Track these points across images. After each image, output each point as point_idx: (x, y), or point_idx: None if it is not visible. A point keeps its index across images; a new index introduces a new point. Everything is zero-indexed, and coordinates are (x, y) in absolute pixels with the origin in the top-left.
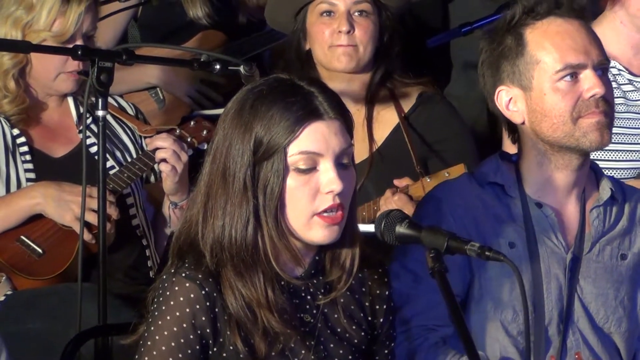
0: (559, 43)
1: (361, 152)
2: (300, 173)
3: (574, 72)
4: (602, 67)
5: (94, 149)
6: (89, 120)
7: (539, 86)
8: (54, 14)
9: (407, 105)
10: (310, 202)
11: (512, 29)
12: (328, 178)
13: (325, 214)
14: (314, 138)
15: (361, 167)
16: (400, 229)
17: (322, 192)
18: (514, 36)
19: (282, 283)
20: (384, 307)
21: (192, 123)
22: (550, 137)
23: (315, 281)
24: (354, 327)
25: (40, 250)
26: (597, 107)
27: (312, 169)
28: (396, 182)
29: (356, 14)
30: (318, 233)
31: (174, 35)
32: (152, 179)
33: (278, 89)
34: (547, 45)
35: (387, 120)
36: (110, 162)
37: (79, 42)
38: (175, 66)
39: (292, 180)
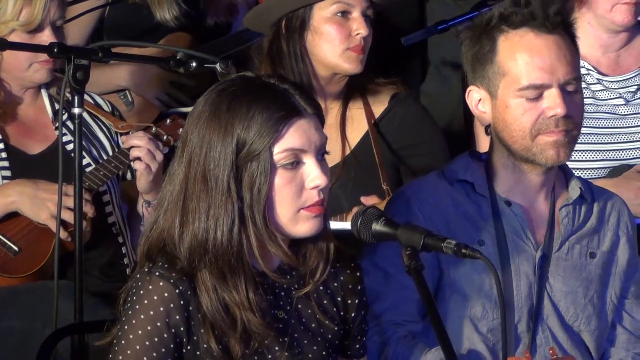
0: (527, 60)
1: (333, 156)
2: (287, 169)
3: (537, 91)
4: (569, 85)
5: (70, 147)
6: (64, 117)
7: (502, 97)
8: (20, 4)
9: (379, 108)
10: (296, 199)
11: (489, 32)
12: (313, 174)
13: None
14: (297, 135)
15: (332, 171)
16: (377, 227)
17: (307, 187)
18: (489, 40)
19: (257, 280)
20: (356, 301)
21: (168, 121)
22: (510, 147)
23: (288, 276)
24: (327, 322)
25: (16, 248)
26: (556, 127)
27: (296, 163)
28: (363, 199)
29: (364, 17)
30: (304, 226)
31: (141, 37)
32: (129, 176)
33: (252, 88)
34: (516, 59)
35: (359, 124)
36: (86, 160)
37: (47, 31)
38: (151, 64)
39: (279, 178)
